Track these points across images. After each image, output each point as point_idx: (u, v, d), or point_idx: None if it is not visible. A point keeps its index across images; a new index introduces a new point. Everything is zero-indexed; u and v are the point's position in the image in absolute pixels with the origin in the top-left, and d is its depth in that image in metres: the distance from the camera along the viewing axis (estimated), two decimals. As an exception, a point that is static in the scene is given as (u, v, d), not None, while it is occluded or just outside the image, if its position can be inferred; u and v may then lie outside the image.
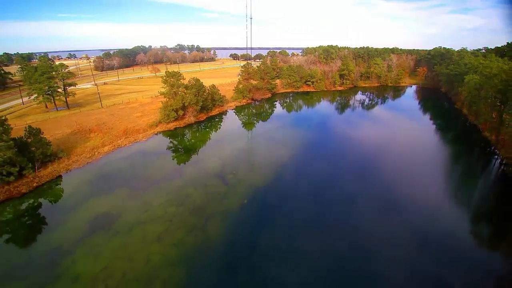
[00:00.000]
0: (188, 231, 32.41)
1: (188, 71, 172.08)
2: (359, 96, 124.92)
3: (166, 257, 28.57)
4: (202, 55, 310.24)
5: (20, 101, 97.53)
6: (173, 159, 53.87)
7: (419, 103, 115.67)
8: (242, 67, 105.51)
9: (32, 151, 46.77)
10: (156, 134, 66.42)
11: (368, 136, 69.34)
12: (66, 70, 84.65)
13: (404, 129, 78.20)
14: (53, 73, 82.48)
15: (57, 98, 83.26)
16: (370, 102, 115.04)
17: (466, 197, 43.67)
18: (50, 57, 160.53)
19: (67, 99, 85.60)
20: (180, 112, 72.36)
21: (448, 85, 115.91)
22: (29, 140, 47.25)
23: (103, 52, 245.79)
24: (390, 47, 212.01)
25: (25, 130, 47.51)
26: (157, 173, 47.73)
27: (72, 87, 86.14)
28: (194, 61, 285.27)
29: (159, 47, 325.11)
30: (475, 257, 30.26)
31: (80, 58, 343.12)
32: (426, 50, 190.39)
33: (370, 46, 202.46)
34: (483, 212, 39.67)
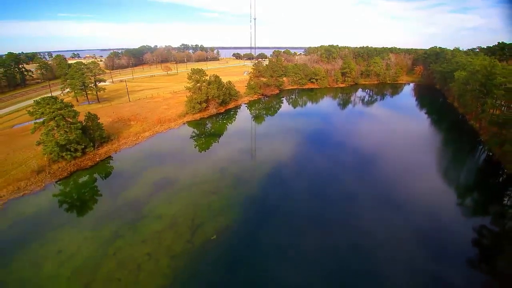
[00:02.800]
0: (233, 188, 42.17)
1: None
2: (360, 92, 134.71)
3: (222, 203, 38.21)
4: (206, 55, 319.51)
5: (48, 96, 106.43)
6: (204, 142, 63.32)
7: (415, 99, 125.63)
8: (253, 65, 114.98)
9: (91, 133, 56.24)
10: (185, 123, 75.83)
11: (368, 129, 78.68)
12: (98, 67, 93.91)
13: (401, 122, 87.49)
14: (86, 69, 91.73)
15: (89, 92, 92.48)
16: (370, 98, 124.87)
17: (454, 179, 49.10)
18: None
19: (98, 93, 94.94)
20: (203, 105, 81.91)
21: (441, 82, 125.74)
22: (88, 124, 56.63)
23: (103, 51, 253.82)
24: (389, 46, 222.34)
25: (85, 116, 56.83)
26: (194, 152, 57.40)
27: (102, 83, 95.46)
28: (198, 60, 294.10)
29: (164, 46, 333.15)
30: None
31: (85, 58, 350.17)
32: (423, 49, 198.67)
33: (369, 46, 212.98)
34: (470, 195, 44.73)
